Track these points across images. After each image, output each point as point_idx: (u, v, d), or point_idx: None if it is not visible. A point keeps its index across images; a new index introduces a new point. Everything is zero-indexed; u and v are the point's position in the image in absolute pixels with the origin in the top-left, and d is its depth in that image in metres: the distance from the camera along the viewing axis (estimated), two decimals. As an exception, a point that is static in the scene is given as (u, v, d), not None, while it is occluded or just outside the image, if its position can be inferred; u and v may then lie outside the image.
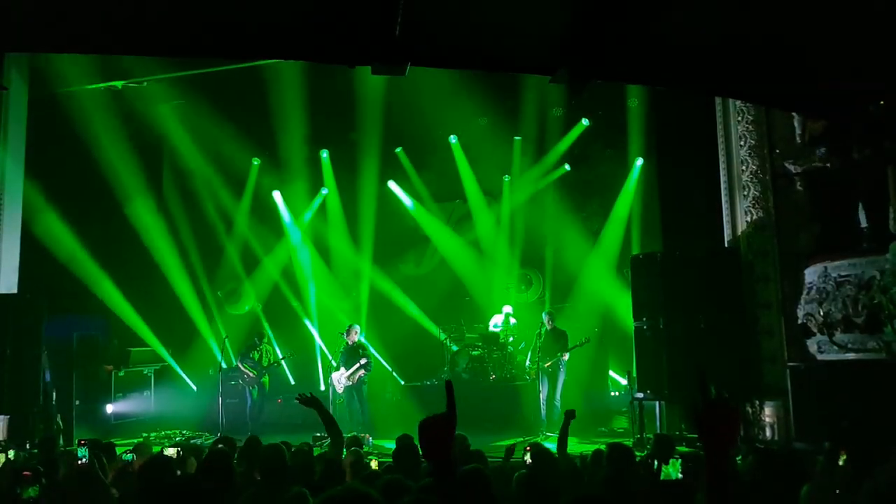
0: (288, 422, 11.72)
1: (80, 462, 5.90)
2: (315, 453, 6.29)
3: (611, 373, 12.57)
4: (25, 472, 4.21)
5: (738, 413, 3.65)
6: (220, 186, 14.18)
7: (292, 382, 14.36)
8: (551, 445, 6.65)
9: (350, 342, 10.98)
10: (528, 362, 11.54)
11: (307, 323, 14.41)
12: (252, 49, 3.35)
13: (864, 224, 7.75)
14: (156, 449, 6.77)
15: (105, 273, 12.61)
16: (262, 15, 2.82)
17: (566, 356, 10.62)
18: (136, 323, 13.05)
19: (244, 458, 5.48)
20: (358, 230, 14.56)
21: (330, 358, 10.98)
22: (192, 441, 10.02)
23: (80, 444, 6.15)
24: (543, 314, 11.20)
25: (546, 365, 10.59)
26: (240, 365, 11.67)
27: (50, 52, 9.56)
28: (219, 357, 12.77)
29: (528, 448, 6.73)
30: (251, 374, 11.51)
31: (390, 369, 13.52)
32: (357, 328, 11.25)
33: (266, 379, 11.76)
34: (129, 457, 6.07)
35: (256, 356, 11.70)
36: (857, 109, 4.52)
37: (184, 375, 13.27)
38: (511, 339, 12.50)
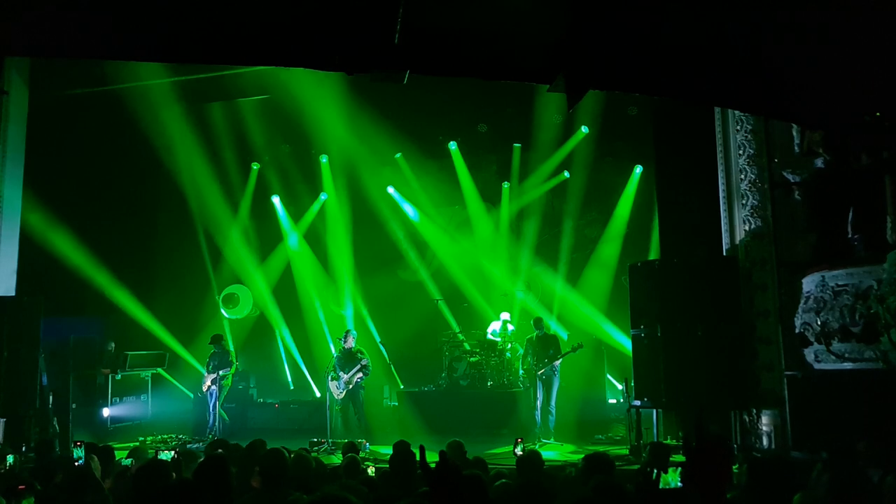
0: (284, 427, 11.71)
1: (76, 464, 5.90)
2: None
3: (608, 377, 12.56)
4: (21, 487, 4.19)
5: (731, 452, 3.63)
6: (220, 190, 14.18)
7: (291, 387, 14.39)
8: (547, 453, 6.66)
9: (346, 347, 10.97)
10: (521, 370, 11.52)
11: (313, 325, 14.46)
12: (249, 55, 3.36)
13: (851, 235, 7.77)
14: (152, 453, 6.76)
15: (106, 275, 12.63)
16: (259, 20, 2.83)
17: (558, 362, 10.60)
18: (137, 326, 13.12)
19: (243, 463, 5.46)
20: (357, 235, 14.60)
21: (335, 365, 10.89)
22: (188, 445, 10.00)
23: (76, 445, 6.15)
24: (532, 320, 11.18)
25: (539, 372, 10.58)
26: (206, 370, 11.39)
27: (43, 58, 9.60)
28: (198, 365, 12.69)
29: (519, 440, 6.74)
30: (210, 380, 11.23)
31: (394, 371, 13.53)
32: (354, 333, 11.22)
33: (227, 382, 11.36)
34: (127, 461, 6.07)
35: (216, 361, 11.39)
36: (855, 119, 4.54)
37: (179, 385, 13.23)
38: (509, 345, 12.51)
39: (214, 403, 11.22)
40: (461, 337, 13.28)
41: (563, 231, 13.80)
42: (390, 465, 5.45)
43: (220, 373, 11.20)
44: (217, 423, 11.13)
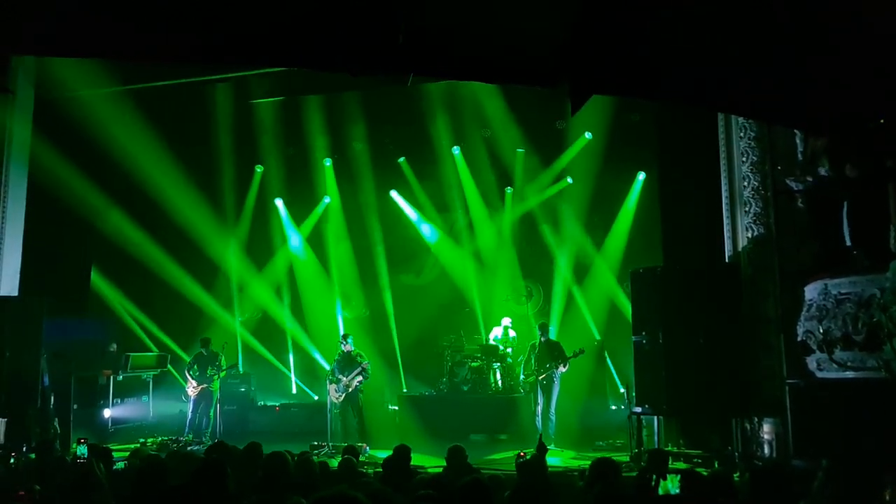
0: (285, 430, 11.68)
1: (78, 460, 5.88)
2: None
3: (614, 375, 12.51)
4: (20, 493, 4.15)
5: None
6: (222, 192, 14.19)
7: (293, 391, 14.37)
8: (548, 459, 6.62)
9: (346, 350, 10.97)
10: (521, 376, 11.47)
11: (305, 332, 14.45)
12: (255, 55, 3.37)
13: (848, 243, 7.76)
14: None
15: (106, 277, 12.64)
16: (265, 21, 2.84)
17: (563, 368, 10.56)
18: (138, 327, 13.13)
19: (241, 466, 5.45)
20: (359, 239, 14.61)
21: (334, 368, 10.87)
22: (189, 448, 9.98)
23: (79, 442, 6.12)
24: (537, 326, 11.15)
25: (541, 377, 10.54)
26: (186, 373, 11.31)
27: (47, 56, 9.63)
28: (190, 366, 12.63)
29: (521, 454, 6.69)
30: (195, 383, 11.18)
31: (402, 373, 13.53)
32: (350, 338, 11.21)
33: (216, 386, 11.26)
34: (121, 465, 6.06)
35: (202, 364, 11.30)
36: (859, 127, 4.53)
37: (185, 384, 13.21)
38: (510, 350, 12.48)
39: (202, 408, 11.18)
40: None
41: (565, 237, 13.77)
42: (383, 467, 5.44)
43: (208, 373, 11.13)
44: (209, 428, 11.10)
